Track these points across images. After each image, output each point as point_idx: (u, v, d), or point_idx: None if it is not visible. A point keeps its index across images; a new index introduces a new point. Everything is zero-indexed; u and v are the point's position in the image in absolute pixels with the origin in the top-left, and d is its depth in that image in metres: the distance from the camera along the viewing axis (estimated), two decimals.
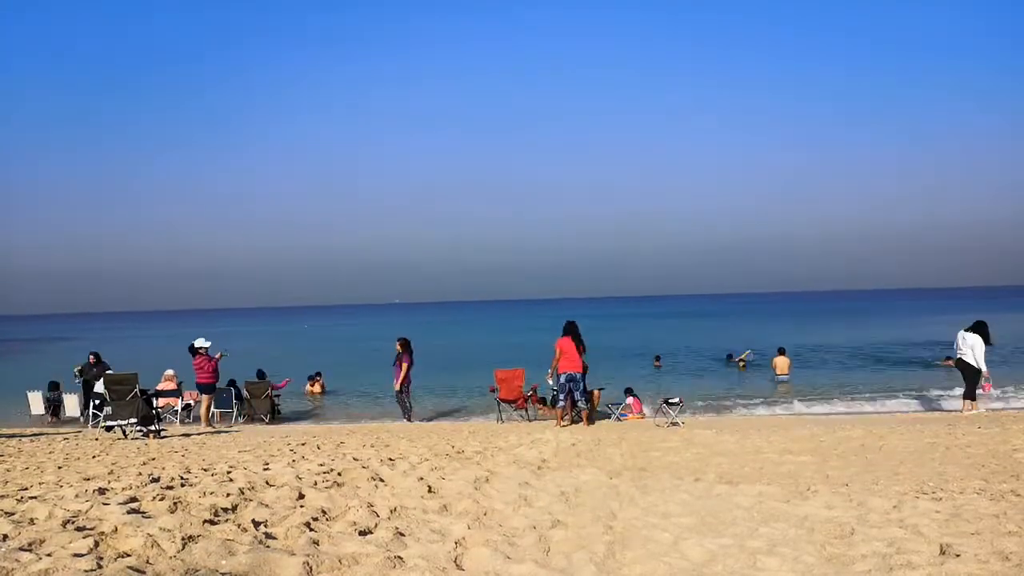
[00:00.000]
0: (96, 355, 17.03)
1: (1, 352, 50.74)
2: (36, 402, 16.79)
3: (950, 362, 13.93)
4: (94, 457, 8.65)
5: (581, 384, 12.58)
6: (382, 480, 5.76)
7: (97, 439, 11.63)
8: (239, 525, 4.09)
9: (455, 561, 3.75)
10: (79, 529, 3.85)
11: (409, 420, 14.79)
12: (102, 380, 13.13)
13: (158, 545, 3.59)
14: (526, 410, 14.66)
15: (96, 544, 3.58)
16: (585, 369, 13.74)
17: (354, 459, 7.29)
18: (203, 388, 14.37)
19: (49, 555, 3.39)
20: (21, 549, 3.48)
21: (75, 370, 17.03)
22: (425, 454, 7.84)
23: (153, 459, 8.25)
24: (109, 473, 6.62)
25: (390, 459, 7.20)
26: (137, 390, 11.82)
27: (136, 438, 11.58)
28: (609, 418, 13.84)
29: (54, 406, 16.87)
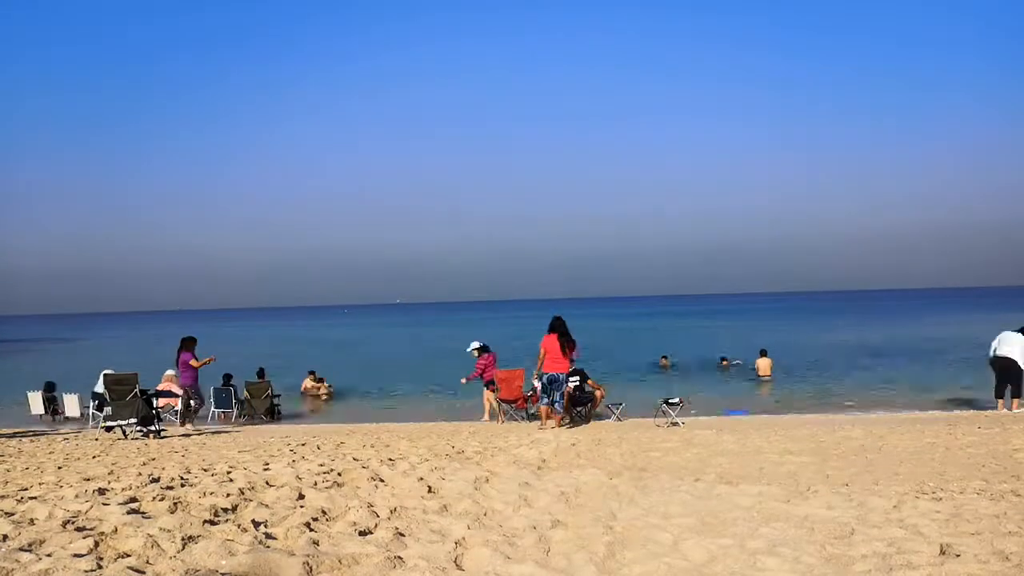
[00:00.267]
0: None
1: (1, 352, 50.73)
2: (36, 402, 16.80)
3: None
4: (94, 457, 8.65)
5: (563, 387, 12.01)
6: (382, 480, 5.76)
7: (97, 439, 11.63)
8: (239, 525, 4.09)
9: (455, 561, 3.75)
10: (79, 529, 3.85)
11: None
12: (102, 380, 13.12)
13: (158, 545, 3.59)
14: (526, 410, 14.66)
15: (96, 544, 3.58)
16: (583, 375, 13.73)
17: (354, 459, 7.29)
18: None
19: (49, 555, 3.39)
20: (21, 549, 3.48)
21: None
22: (425, 454, 7.84)
23: (153, 459, 8.25)
24: (109, 473, 6.62)
25: (390, 459, 7.20)
26: (137, 390, 11.82)
27: (136, 438, 11.58)
28: (609, 418, 13.83)
29: (53, 406, 16.88)
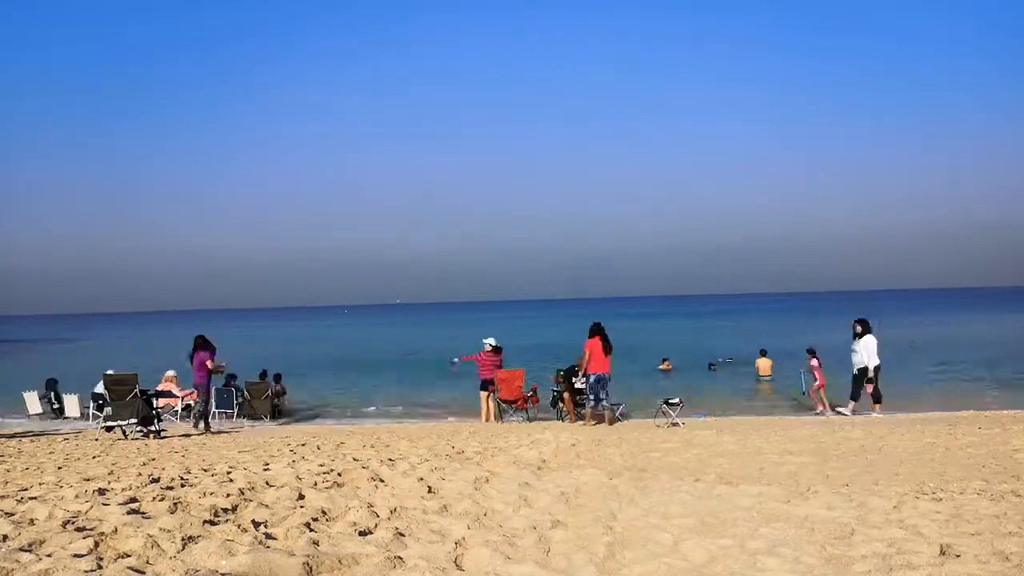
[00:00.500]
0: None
1: (1, 352, 50.75)
2: (32, 402, 16.79)
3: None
4: (94, 457, 8.65)
5: (608, 384, 12.81)
6: (382, 480, 5.76)
7: (97, 439, 11.64)
8: (239, 525, 4.09)
9: (455, 561, 3.75)
10: (79, 529, 3.85)
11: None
12: (102, 380, 13.13)
13: (158, 545, 3.59)
14: (526, 411, 14.66)
15: (96, 544, 3.58)
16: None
17: (354, 459, 7.28)
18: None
19: (49, 555, 3.39)
20: (21, 549, 3.48)
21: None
22: (425, 455, 7.84)
23: (153, 459, 8.25)
24: (109, 473, 6.62)
25: (390, 459, 7.20)
26: (137, 390, 11.82)
27: (136, 438, 11.59)
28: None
29: (60, 404, 16.88)
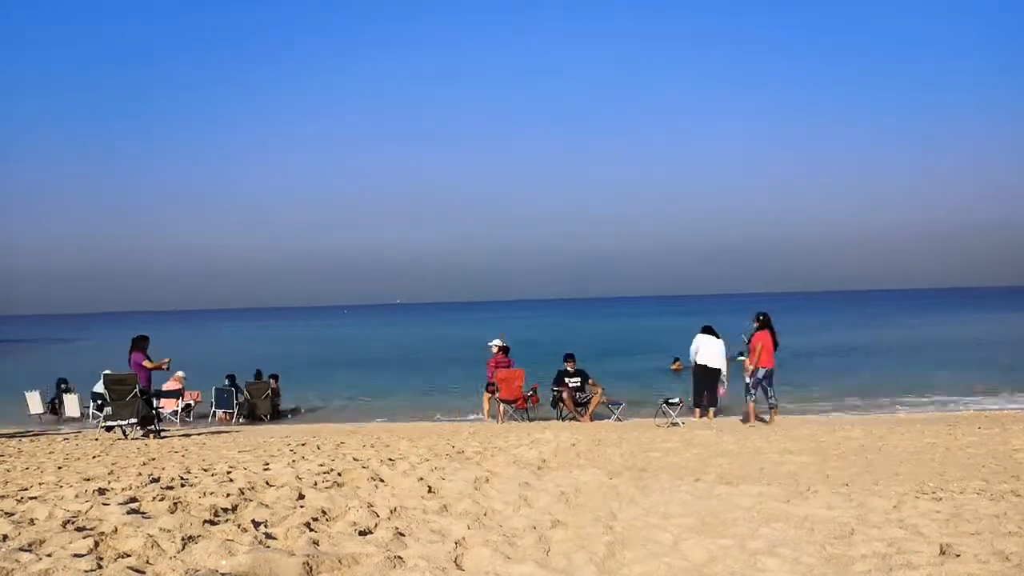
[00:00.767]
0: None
1: (1, 352, 50.75)
2: (34, 402, 16.81)
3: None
4: (94, 457, 8.65)
5: (773, 379, 12.11)
6: (382, 480, 5.76)
7: (97, 439, 11.64)
8: (239, 525, 4.09)
9: (455, 561, 3.75)
10: (79, 529, 3.85)
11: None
12: (102, 380, 13.13)
13: (158, 545, 3.59)
14: (526, 410, 14.66)
15: (96, 544, 3.58)
16: (584, 375, 13.76)
17: (354, 459, 7.28)
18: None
19: (49, 555, 3.39)
20: (21, 549, 3.48)
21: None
22: (425, 454, 7.84)
23: (153, 459, 8.25)
24: (109, 473, 6.62)
25: (390, 459, 7.20)
26: (137, 390, 11.82)
27: (136, 438, 11.59)
28: (609, 418, 13.84)
29: (53, 405, 16.89)
